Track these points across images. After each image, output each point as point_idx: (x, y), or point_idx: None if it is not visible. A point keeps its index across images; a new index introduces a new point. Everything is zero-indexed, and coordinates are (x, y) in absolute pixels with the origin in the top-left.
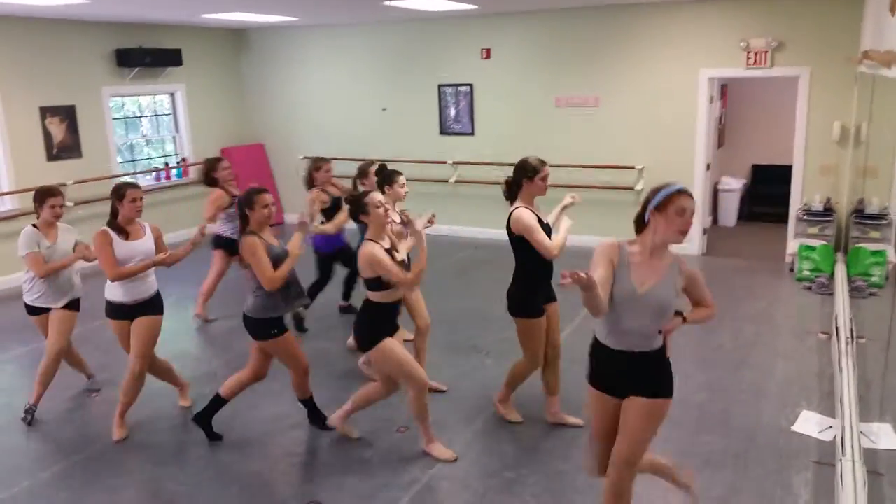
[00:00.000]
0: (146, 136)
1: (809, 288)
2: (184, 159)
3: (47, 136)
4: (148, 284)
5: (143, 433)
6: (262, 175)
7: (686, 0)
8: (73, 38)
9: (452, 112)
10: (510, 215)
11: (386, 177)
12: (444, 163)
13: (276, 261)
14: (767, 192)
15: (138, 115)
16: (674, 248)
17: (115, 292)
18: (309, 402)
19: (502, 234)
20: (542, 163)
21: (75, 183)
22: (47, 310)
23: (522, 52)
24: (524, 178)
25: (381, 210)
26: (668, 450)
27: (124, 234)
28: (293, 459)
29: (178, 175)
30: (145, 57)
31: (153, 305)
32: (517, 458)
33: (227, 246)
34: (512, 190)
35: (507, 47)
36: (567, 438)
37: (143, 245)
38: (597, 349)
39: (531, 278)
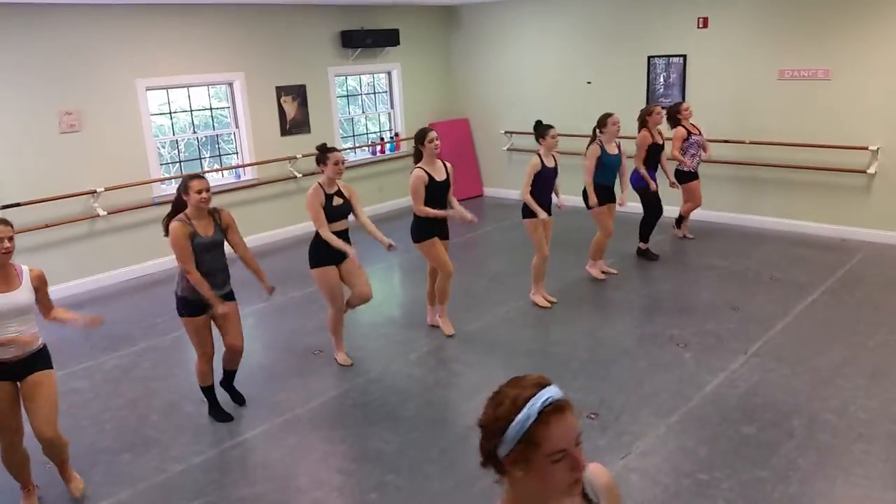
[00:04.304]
0: (365, 111)
1: None
2: (396, 134)
3: (282, 113)
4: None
5: (358, 393)
6: (464, 148)
7: None
8: (304, 21)
9: (661, 85)
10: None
11: (540, 131)
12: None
13: (199, 249)
14: None
15: (357, 91)
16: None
17: None
18: (209, 393)
19: (714, 216)
20: (429, 130)
21: (304, 156)
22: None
23: (744, 20)
24: (419, 144)
25: (337, 167)
26: None
27: None
28: None
29: (391, 149)
30: (367, 38)
31: (42, 359)
32: (712, 460)
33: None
34: (417, 155)
35: (727, 15)
36: (768, 446)
37: (14, 298)
38: None
39: (424, 218)
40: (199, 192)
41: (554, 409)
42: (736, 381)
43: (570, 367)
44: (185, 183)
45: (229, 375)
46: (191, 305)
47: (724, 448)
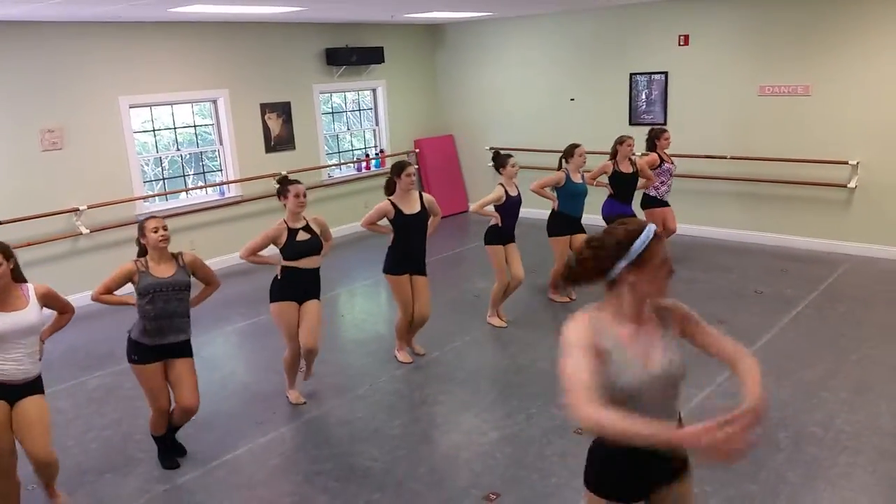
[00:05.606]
0: (350, 128)
1: None
2: (381, 151)
3: (266, 130)
4: (29, 364)
5: (344, 411)
6: (449, 165)
7: None
8: (289, 39)
9: (643, 102)
10: None
11: (500, 161)
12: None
13: (147, 290)
14: None
15: (343, 108)
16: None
17: None
18: (159, 440)
19: (696, 231)
20: (407, 163)
21: (289, 173)
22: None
23: (725, 37)
24: (395, 176)
25: (298, 199)
26: None
27: None
28: (478, 449)
29: (377, 165)
30: (351, 55)
31: (35, 385)
32: (700, 474)
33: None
34: (389, 185)
35: (707, 33)
36: (756, 459)
37: (22, 318)
38: (606, 451)
39: (397, 248)
40: (156, 230)
41: (657, 235)
42: (722, 395)
43: (558, 383)
44: (141, 225)
45: (173, 429)
46: (143, 350)
47: (715, 464)
